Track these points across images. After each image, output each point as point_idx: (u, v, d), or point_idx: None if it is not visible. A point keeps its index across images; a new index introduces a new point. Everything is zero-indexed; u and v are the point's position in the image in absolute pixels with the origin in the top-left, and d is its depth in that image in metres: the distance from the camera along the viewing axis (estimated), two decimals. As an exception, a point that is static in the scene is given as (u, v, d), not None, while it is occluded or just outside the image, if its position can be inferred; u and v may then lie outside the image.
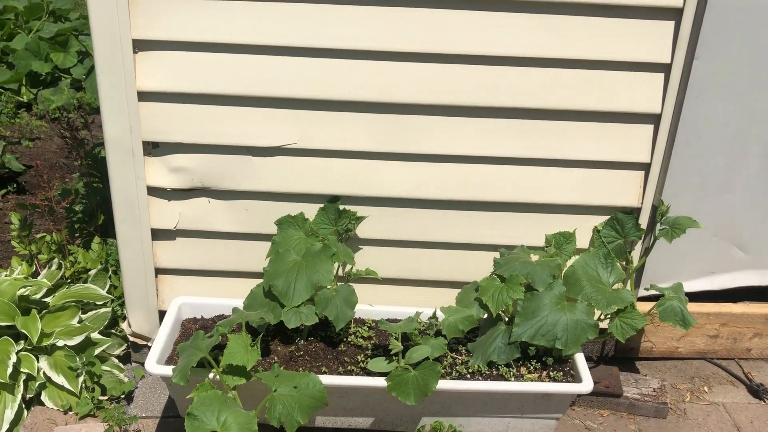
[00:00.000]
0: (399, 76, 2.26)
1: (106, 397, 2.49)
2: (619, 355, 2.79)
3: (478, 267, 2.50)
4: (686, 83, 2.33)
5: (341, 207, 2.43)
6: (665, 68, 2.28)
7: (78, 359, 2.41)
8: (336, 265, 2.37)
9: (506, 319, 2.34)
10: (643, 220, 2.48)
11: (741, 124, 2.48)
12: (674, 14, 2.21)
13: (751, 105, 2.45)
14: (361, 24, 2.19)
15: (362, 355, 2.34)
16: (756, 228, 2.69)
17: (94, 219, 2.99)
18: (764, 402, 2.67)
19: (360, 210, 2.44)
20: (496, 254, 2.47)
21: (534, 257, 2.39)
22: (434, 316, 2.38)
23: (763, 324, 2.79)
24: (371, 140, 2.35)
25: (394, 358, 2.18)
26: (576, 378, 2.25)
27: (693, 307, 2.66)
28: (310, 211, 2.44)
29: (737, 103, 2.44)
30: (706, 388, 2.73)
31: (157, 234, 2.49)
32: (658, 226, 2.47)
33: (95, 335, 2.56)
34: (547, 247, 2.49)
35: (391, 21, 2.19)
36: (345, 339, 2.42)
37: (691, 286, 2.72)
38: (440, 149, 2.37)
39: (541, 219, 2.48)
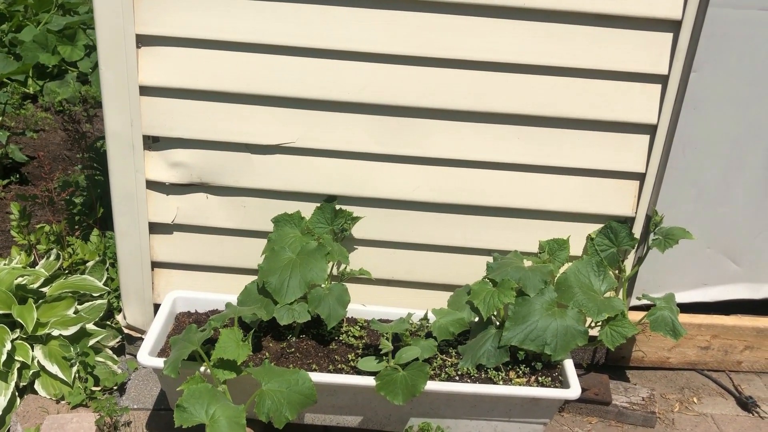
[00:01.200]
0: (399, 79, 2.28)
1: (98, 388, 2.51)
2: (610, 363, 2.80)
3: (472, 270, 2.51)
4: (683, 95, 2.34)
5: (338, 207, 2.45)
6: (663, 79, 2.30)
7: (72, 349, 2.43)
8: (330, 264, 2.39)
9: (497, 323, 2.35)
10: (637, 230, 2.49)
11: (738, 137, 2.49)
12: (673, 26, 2.23)
13: (748, 118, 2.46)
14: (362, 26, 2.21)
15: (353, 354, 2.35)
16: (750, 241, 2.70)
17: (94, 211, 3.01)
18: (753, 415, 2.68)
19: (356, 210, 2.46)
20: (490, 258, 2.48)
21: (527, 263, 2.41)
22: (426, 318, 2.40)
23: (754, 337, 2.80)
24: (369, 141, 2.37)
25: (384, 357, 2.20)
26: (564, 384, 2.26)
27: (684, 318, 2.67)
28: (307, 209, 2.46)
29: (734, 116, 2.45)
30: (695, 399, 2.74)
31: (155, 228, 2.51)
32: (652, 236, 2.48)
33: (90, 326, 2.58)
34: (540, 253, 2.50)
35: (392, 24, 2.21)
36: (336, 337, 2.44)
37: (683, 297, 2.73)
38: (438, 152, 2.39)
39: (536, 225, 2.50)
